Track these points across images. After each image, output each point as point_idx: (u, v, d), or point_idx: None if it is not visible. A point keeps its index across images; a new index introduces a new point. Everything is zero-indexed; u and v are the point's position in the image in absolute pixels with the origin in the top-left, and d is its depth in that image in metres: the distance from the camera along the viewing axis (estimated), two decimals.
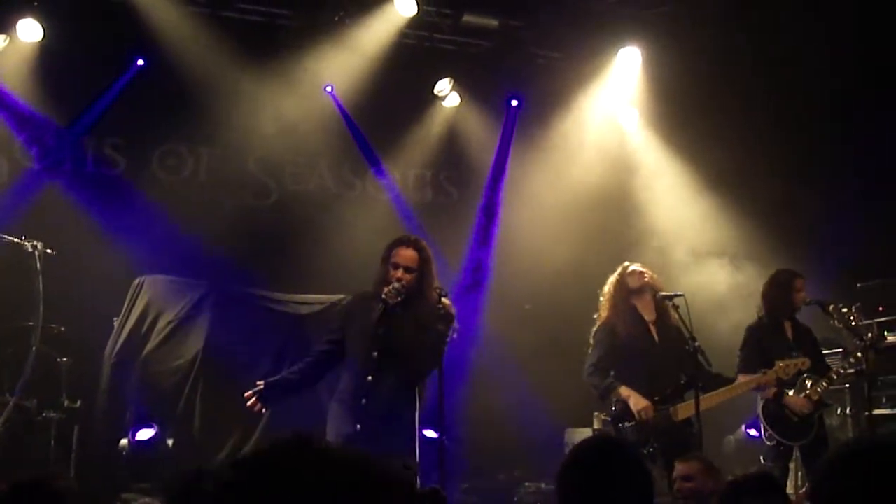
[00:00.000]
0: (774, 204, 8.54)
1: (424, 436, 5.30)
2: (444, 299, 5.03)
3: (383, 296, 4.92)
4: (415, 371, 4.99)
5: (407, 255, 5.06)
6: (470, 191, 9.36)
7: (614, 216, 9.02)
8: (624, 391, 6.01)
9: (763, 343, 6.49)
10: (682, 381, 6.04)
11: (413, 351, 4.92)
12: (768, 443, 6.41)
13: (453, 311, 5.13)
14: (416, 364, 4.96)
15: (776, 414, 6.38)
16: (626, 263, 6.36)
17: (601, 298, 6.33)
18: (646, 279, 6.22)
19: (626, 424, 5.95)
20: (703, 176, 8.91)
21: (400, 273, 5.01)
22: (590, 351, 6.23)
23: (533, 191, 9.19)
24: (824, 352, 6.94)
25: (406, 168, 9.21)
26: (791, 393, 6.39)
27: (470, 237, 9.14)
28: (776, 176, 8.56)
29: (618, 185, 9.15)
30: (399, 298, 4.93)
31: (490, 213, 9.21)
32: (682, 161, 9.05)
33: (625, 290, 6.21)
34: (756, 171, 8.57)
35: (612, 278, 6.32)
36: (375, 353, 4.91)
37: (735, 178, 8.67)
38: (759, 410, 6.47)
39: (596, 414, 7.28)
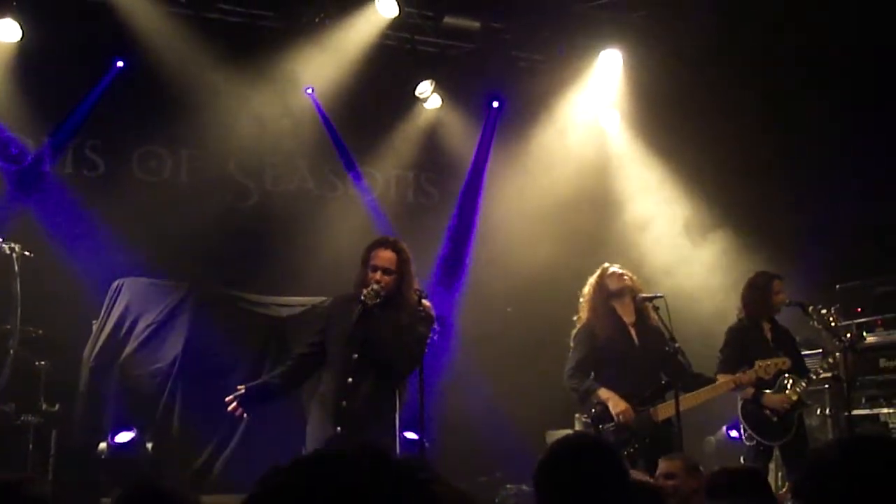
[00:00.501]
0: (753, 205, 8.58)
1: (405, 437, 5.31)
2: (424, 301, 5.04)
3: (362, 297, 4.92)
4: (395, 373, 5.00)
5: (385, 256, 5.06)
6: (450, 192, 9.34)
7: (594, 218, 9.02)
8: (604, 393, 6.00)
9: (743, 343, 6.53)
10: (663, 382, 6.07)
11: (393, 353, 4.93)
12: (748, 443, 6.45)
13: (433, 312, 5.19)
14: (395, 366, 4.97)
15: (755, 414, 6.42)
16: (606, 265, 6.36)
17: (581, 300, 6.33)
18: (626, 281, 6.23)
19: (607, 426, 5.96)
20: (684, 177, 8.94)
21: (379, 275, 5.01)
22: (570, 353, 6.23)
23: (513, 192, 9.17)
24: (804, 353, 7.00)
25: (387, 169, 9.19)
26: (769, 392, 6.44)
27: (447, 238, 9.17)
28: (755, 177, 8.60)
29: (598, 186, 9.16)
30: (378, 300, 4.94)
31: (470, 214, 9.22)
32: (663, 163, 9.07)
33: (604, 292, 6.20)
34: (735, 172, 8.61)
35: (592, 280, 6.31)
36: (355, 356, 4.92)
37: (715, 179, 8.72)
38: (739, 410, 6.51)
39: (577, 416, 7.26)
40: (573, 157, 9.11)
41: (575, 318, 6.34)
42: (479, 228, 9.20)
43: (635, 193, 9.11)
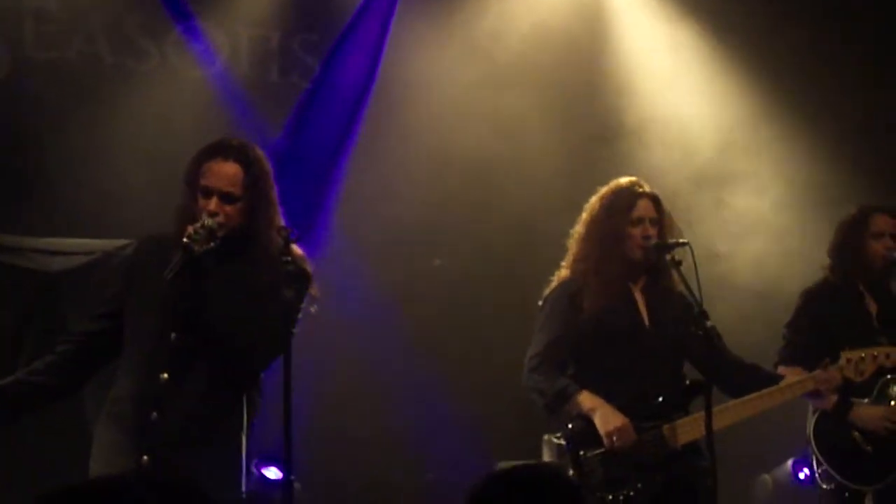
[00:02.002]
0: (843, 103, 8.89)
1: (262, 476, 5.51)
2: (294, 247, 4.99)
3: (185, 240, 4.84)
4: (241, 365, 5.05)
5: (225, 171, 5.09)
6: (340, 66, 9.31)
7: (582, 104, 9.20)
8: (587, 401, 5.93)
9: (826, 318, 6.64)
10: (687, 383, 6.07)
11: (237, 331, 4.97)
12: (824, 485, 6.55)
13: (309, 266, 5.19)
14: (243, 354, 5.03)
15: (837, 439, 6.52)
16: (624, 180, 6.25)
17: (570, 242, 6.30)
18: (658, 214, 6.18)
19: (591, 454, 5.90)
20: (727, 47, 9.23)
21: (214, 203, 5.03)
22: (535, 332, 6.21)
23: (439, 62, 9.22)
24: None
25: (236, 27, 9.05)
26: (865, 403, 6.52)
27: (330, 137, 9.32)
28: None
29: (586, 54, 9.31)
30: (211, 244, 4.90)
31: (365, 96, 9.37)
32: (689, 19, 9.26)
33: (614, 229, 6.11)
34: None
35: (593, 205, 6.23)
36: (174, 335, 4.97)
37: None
38: (810, 430, 6.60)
39: (546, 437, 7.22)
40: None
41: (553, 278, 6.30)
42: (383, 119, 9.26)
43: (645, 64, 9.36)
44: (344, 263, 8.68)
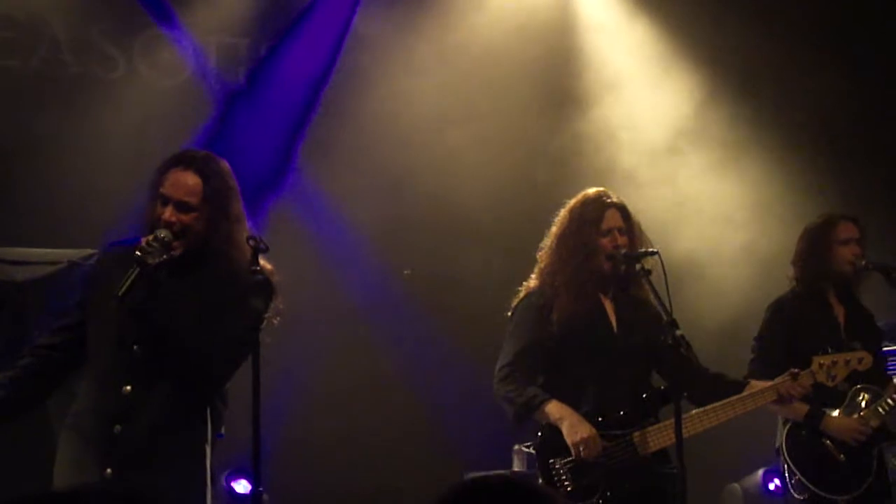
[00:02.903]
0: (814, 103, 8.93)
1: (231, 489, 5.51)
2: (261, 260, 4.94)
3: (137, 253, 4.81)
4: (198, 376, 5.00)
5: (183, 181, 5.02)
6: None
7: (554, 109, 9.24)
8: (555, 409, 5.95)
9: (795, 327, 6.66)
10: (656, 392, 6.10)
11: (190, 343, 4.92)
12: (797, 496, 6.53)
13: (275, 277, 5.14)
14: (197, 365, 4.97)
15: (809, 447, 6.53)
16: (591, 191, 6.24)
17: (540, 249, 6.28)
18: (628, 224, 6.19)
19: (560, 463, 5.92)
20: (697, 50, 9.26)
21: (169, 212, 4.97)
22: (505, 341, 6.20)
23: (412, 58, 9.19)
24: (891, 348, 7.22)
25: (206, 33, 9.05)
26: (836, 414, 6.53)
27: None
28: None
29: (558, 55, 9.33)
30: (164, 256, 4.88)
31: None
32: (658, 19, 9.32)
33: (586, 239, 6.11)
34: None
35: (562, 217, 6.23)
36: (136, 346, 4.92)
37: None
38: (782, 441, 6.60)
39: (516, 447, 7.35)
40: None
41: (521, 288, 6.28)
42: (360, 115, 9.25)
43: (616, 69, 9.39)
44: (310, 274, 8.63)
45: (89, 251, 7.32)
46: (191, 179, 4.99)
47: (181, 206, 4.96)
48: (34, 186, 8.14)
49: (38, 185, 8.13)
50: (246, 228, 5.09)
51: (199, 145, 7.90)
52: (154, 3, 8.76)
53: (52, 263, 7.73)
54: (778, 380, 6.20)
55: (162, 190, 4.98)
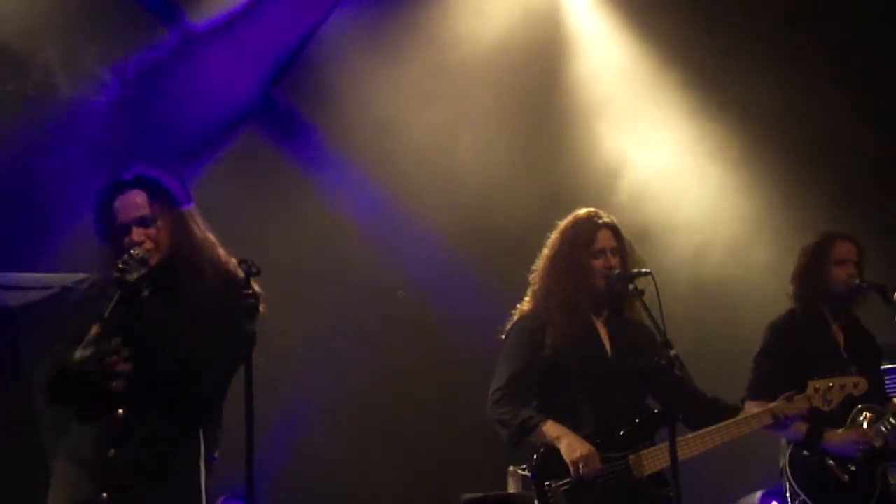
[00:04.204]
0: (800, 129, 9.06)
1: None
2: (252, 282, 4.87)
3: (115, 273, 4.80)
4: (193, 396, 4.95)
5: (130, 200, 5.05)
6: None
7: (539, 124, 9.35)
8: (552, 430, 5.94)
9: (795, 351, 6.66)
10: (651, 414, 6.09)
11: (187, 361, 4.88)
12: None
13: (262, 304, 5.06)
14: (193, 384, 4.93)
15: (812, 467, 6.53)
16: (583, 211, 6.26)
17: (532, 272, 6.28)
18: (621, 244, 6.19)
19: (556, 484, 5.90)
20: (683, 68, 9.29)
21: (134, 233, 5.00)
22: (497, 365, 6.21)
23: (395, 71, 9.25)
24: (889, 367, 7.24)
25: None
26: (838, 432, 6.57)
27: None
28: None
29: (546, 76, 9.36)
30: (143, 270, 4.84)
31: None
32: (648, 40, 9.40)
33: (579, 262, 6.10)
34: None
35: (553, 240, 6.22)
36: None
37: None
38: (785, 462, 6.60)
39: (511, 469, 7.22)
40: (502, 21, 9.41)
41: (515, 311, 6.28)
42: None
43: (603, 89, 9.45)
44: (307, 295, 8.65)
45: (81, 276, 6.85)
46: (137, 196, 4.99)
47: (140, 222, 4.96)
48: (28, 210, 8.09)
49: (33, 209, 8.09)
50: (211, 243, 5.11)
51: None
52: None
53: (44, 288, 7.72)
54: (773, 404, 6.18)
55: (120, 220, 4.97)
